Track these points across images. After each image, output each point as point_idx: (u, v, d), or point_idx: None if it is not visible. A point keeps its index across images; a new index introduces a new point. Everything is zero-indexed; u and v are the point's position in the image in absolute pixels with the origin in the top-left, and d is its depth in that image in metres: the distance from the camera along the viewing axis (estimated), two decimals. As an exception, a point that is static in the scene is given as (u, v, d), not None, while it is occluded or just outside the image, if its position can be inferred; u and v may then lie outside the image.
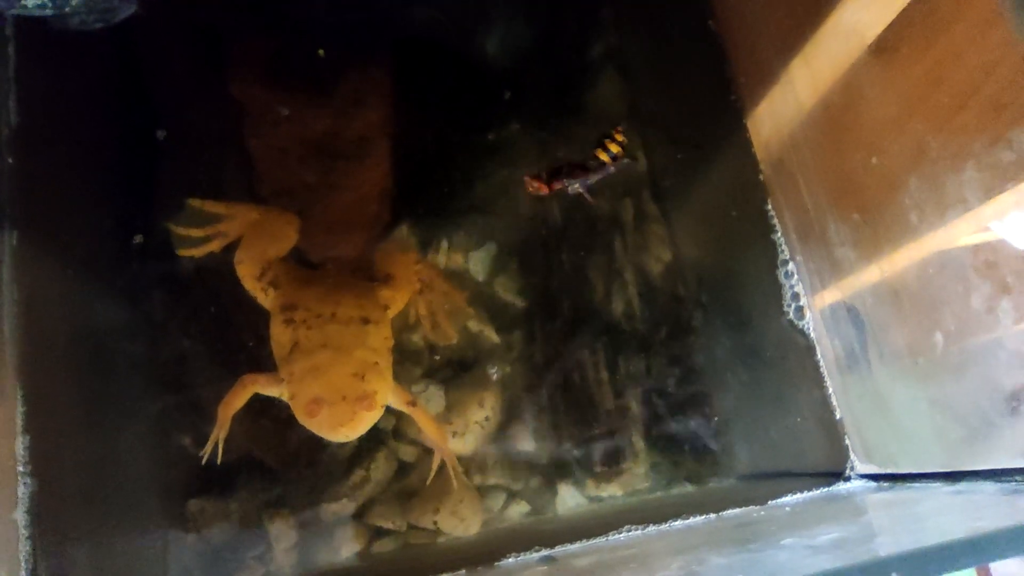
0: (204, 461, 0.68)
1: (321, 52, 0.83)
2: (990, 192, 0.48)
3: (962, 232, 0.52)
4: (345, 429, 0.61)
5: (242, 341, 0.76)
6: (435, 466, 0.71)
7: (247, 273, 0.73)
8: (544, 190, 0.78)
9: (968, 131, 0.50)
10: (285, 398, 0.66)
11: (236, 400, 0.69)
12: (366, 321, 0.68)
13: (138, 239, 0.77)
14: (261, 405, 0.76)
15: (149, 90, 0.82)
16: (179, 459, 0.73)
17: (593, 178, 0.79)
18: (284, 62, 0.85)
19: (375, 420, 0.63)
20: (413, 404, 0.70)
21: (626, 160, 0.79)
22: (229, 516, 0.72)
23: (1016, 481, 0.48)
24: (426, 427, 0.71)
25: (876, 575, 0.33)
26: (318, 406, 0.61)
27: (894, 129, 0.57)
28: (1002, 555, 0.34)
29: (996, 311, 0.49)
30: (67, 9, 0.70)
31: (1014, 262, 0.48)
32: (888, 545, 0.38)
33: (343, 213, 0.83)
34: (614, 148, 0.78)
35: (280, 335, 0.68)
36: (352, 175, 0.83)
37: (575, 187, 0.79)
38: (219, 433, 0.69)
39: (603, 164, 0.78)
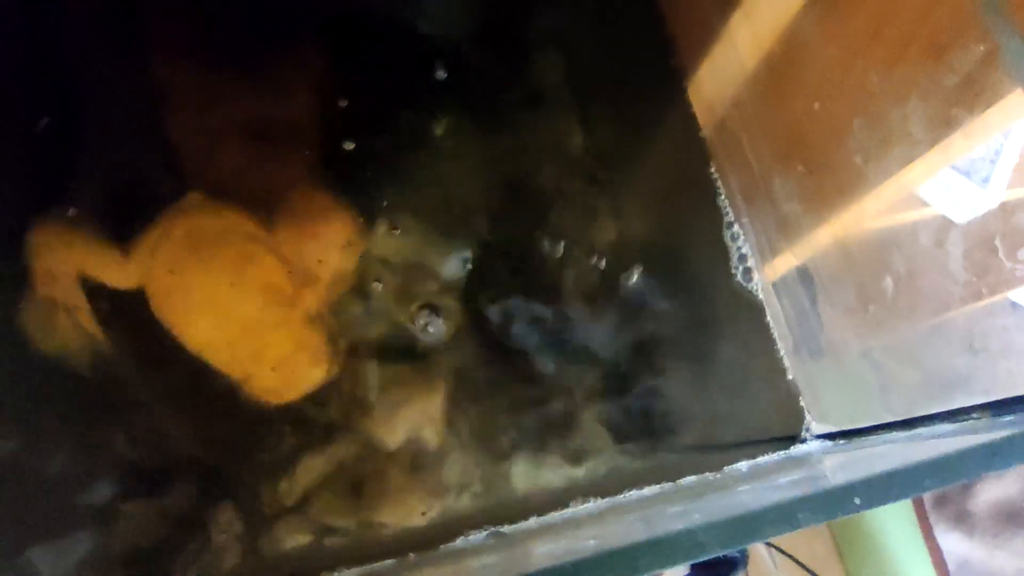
0: None
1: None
2: (933, 121, 0.47)
3: (907, 168, 0.51)
4: None
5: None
6: None
7: None
8: None
9: (910, 63, 0.48)
10: None
11: None
12: None
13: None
14: (197, 394, 0.71)
15: (53, 72, 0.77)
16: (108, 456, 0.68)
17: None
18: (210, 40, 0.81)
19: None
20: None
21: None
22: (164, 514, 0.68)
23: (974, 418, 0.46)
24: None
25: (840, 501, 0.31)
26: None
27: (838, 72, 0.56)
28: (966, 475, 0.32)
29: (945, 244, 0.48)
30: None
31: (961, 191, 0.47)
32: (850, 476, 0.36)
33: (275, 195, 0.79)
34: None
35: None
36: (284, 157, 0.80)
37: None
38: None
39: None
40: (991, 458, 0.32)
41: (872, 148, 0.53)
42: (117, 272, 0.72)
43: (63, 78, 0.77)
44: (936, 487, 0.31)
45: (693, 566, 1.35)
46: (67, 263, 0.73)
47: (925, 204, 0.51)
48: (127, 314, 0.72)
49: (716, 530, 0.29)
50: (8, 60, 0.78)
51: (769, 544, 1.42)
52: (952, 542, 1.14)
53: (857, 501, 0.31)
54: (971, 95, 0.44)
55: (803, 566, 1.37)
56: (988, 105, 0.43)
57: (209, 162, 0.78)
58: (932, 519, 1.16)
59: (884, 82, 0.51)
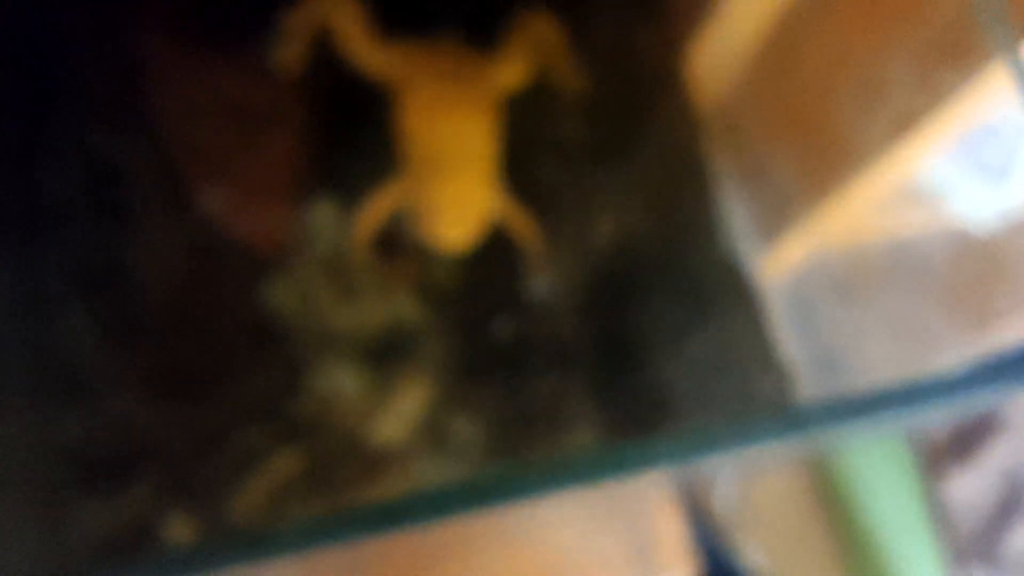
0: None
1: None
2: (910, 76, 0.45)
3: (891, 134, 0.49)
4: None
5: (142, 303, 0.71)
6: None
7: None
8: None
9: (891, 20, 0.47)
10: None
11: None
12: None
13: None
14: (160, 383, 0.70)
15: (32, 41, 0.78)
16: (62, 451, 0.63)
17: None
18: (191, 12, 0.81)
19: None
20: None
21: None
22: (120, 514, 0.63)
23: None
24: None
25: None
26: None
27: (824, 37, 0.54)
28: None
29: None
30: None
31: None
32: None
33: (259, 175, 0.80)
34: None
35: None
36: (268, 135, 0.81)
37: None
38: None
39: None
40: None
41: (858, 112, 0.51)
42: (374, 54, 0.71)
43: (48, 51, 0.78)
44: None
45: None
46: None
47: (941, 200, 0.49)
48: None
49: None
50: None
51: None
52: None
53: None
54: (946, 50, 0.43)
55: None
56: (960, 58, 0.42)
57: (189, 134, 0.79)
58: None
59: (865, 40, 0.49)
